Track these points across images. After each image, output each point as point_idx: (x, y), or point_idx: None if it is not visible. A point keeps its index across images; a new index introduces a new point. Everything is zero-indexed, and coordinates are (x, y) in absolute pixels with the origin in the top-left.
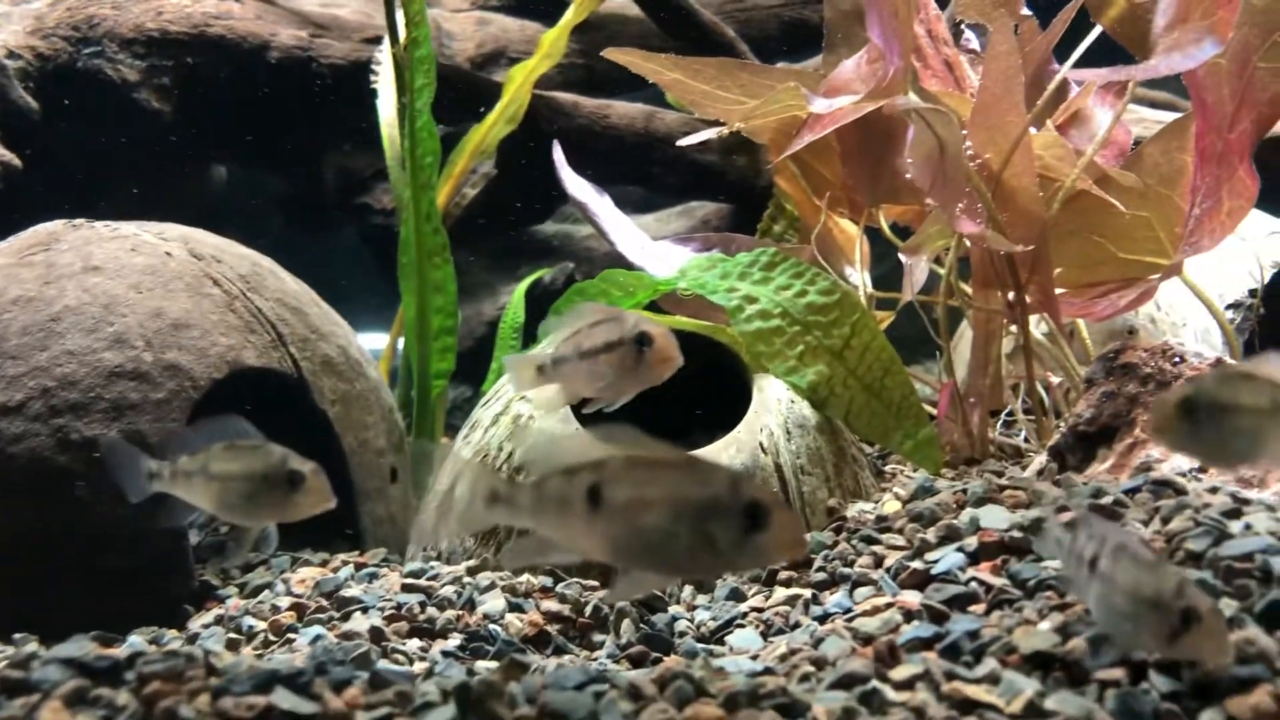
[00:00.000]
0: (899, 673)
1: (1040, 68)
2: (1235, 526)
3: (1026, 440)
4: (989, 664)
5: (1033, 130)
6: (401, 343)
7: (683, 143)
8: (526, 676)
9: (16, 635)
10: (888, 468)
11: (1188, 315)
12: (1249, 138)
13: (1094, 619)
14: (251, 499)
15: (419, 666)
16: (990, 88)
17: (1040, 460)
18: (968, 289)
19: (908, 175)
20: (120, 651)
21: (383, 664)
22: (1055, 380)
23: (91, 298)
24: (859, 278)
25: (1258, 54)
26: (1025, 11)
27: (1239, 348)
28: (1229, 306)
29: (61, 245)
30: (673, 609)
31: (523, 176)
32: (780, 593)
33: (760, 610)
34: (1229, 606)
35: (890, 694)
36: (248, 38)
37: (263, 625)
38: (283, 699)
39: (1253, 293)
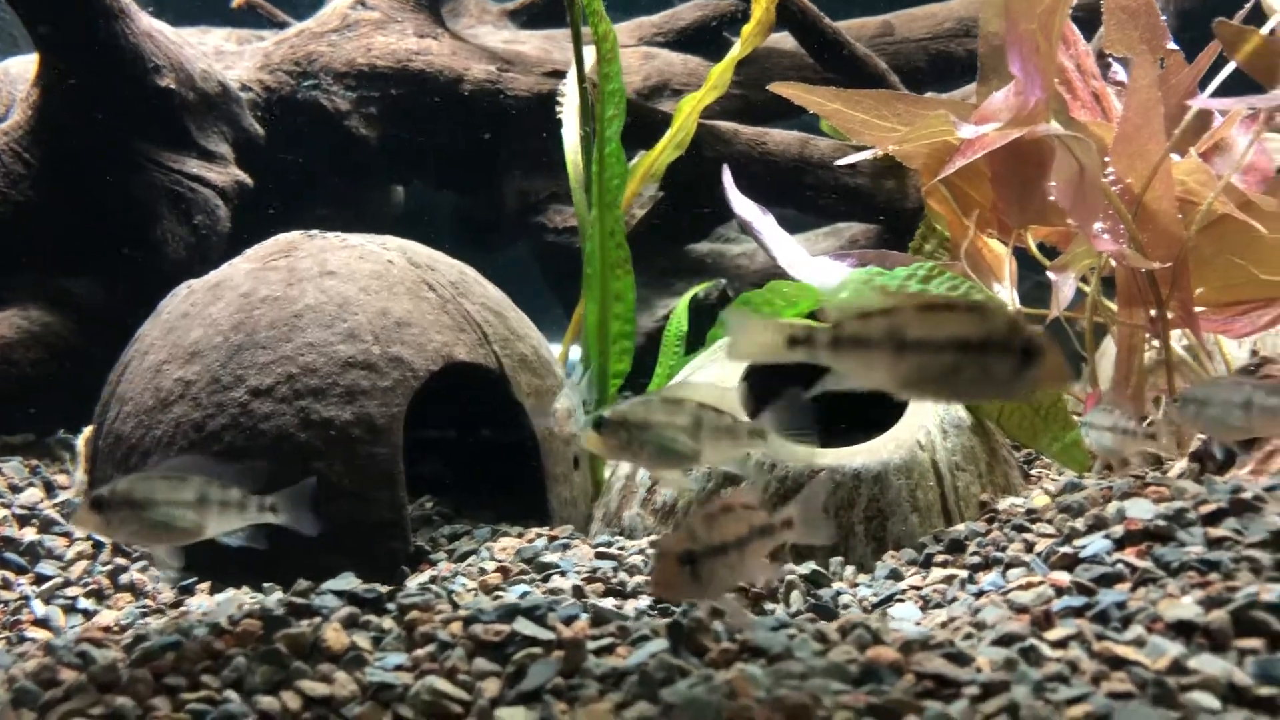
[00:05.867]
0: (1053, 634)
1: (1185, 98)
2: None
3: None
4: (1136, 630)
5: (1176, 157)
6: (573, 350)
7: (839, 163)
8: (726, 619)
9: (265, 584)
10: (1034, 471)
11: None
12: None
13: None
14: None
15: None
16: (1131, 118)
17: (1181, 464)
18: (1112, 306)
19: (1053, 198)
20: (381, 587)
21: None
22: None
23: (328, 298)
24: (1007, 294)
25: None
26: (1171, 46)
27: None
28: None
29: (300, 253)
30: (836, 585)
31: (685, 198)
32: (937, 573)
33: (918, 588)
34: None
35: (1046, 650)
36: (444, 71)
37: (473, 584)
38: (524, 626)
39: None
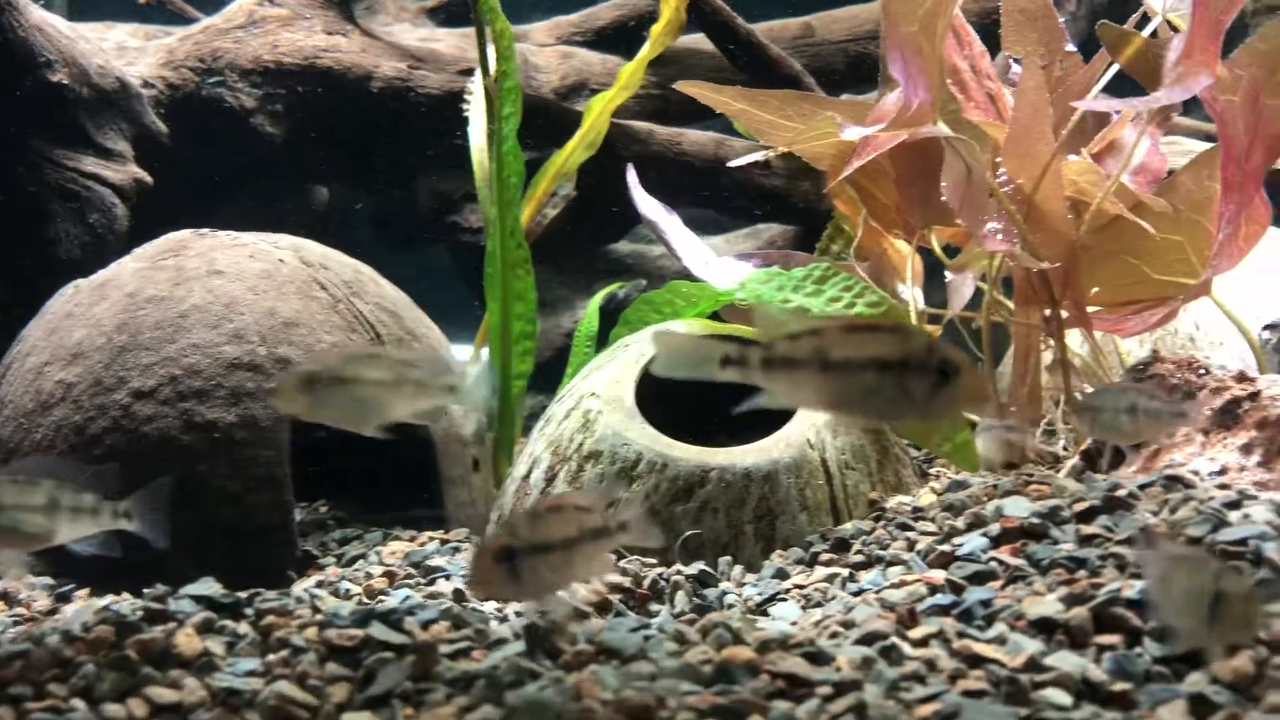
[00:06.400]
0: (916, 632)
1: (1081, 99)
2: (1234, 516)
3: (1065, 449)
4: (999, 628)
5: (1074, 157)
6: (485, 350)
7: (731, 164)
8: (587, 622)
9: (146, 590)
10: (932, 470)
11: (1225, 335)
12: (1261, 168)
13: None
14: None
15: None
16: (1020, 119)
17: (1072, 463)
18: (1012, 305)
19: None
20: (241, 593)
21: None
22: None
23: (214, 298)
24: (910, 294)
25: (1264, 91)
26: (1070, 48)
27: (1266, 366)
28: (1267, 327)
29: (189, 252)
30: (723, 585)
31: (599, 199)
32: (820, 571)
33: (802, 587)
34: None
35: (907, 649)
36: (352, 69)
37: (358, 589)
38: (378, 631)
39: None
